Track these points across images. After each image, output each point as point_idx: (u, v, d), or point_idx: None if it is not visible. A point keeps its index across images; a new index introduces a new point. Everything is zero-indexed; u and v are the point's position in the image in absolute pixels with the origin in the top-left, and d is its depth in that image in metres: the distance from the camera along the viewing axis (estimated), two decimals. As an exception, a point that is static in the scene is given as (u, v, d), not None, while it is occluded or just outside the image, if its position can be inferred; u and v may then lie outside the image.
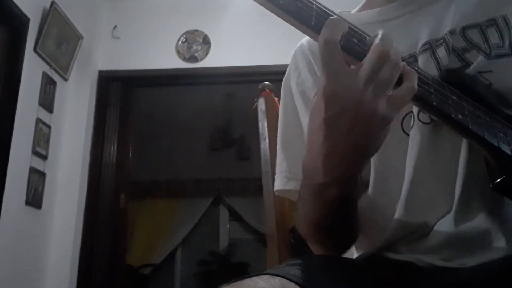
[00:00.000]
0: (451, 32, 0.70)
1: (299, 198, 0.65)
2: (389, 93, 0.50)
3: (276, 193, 0.83)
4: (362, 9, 0.82)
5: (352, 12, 0.84)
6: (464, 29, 0.70)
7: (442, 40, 0.70)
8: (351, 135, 0.50)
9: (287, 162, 0.80)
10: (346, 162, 0.52)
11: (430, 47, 0.70)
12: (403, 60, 0.53)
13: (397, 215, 0.67)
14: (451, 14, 0.72)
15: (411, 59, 0.69)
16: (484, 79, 0.66)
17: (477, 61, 0.67)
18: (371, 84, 0.49)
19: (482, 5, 0.72)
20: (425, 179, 0.65)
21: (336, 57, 0.49)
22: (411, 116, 0.68)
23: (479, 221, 0.62)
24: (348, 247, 0.71)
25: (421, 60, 0.70)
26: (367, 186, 0.71)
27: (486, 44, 0.68)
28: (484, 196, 0.62)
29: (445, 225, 0.63)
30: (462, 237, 0.62)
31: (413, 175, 0.66)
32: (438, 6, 0.74)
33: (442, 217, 0.64)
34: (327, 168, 0.53)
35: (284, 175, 0.80)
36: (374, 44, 0.50)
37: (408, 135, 0.68)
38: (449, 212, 0.63)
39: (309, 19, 0.51)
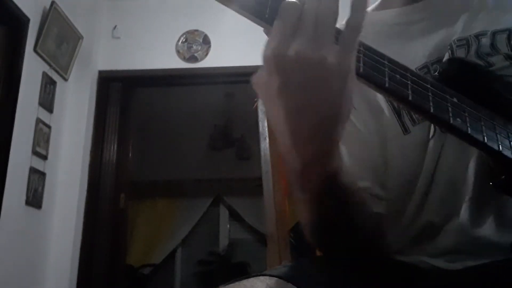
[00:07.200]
0: (479, 35, 0.68)
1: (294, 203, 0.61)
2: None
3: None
4: (381, 7, 0.80)
5: (368, 10, 0.83)
6: (494, 34, 0.68)
7: (465, 41, 0.68)
8: (305, 95, 0.45)
9: None
10: (318, 131, 0.47)
11: (451, 47, 0.68)
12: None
13: (407, 218, 0.67)
14: (473, 18, 0.70)
15: (435, 66, 0.68)
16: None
17: (502, 65, 0.65)
18: (302, 37, 0.44)
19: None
20: (438, 184, 0.65)
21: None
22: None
23: (490, 225, 0.61)
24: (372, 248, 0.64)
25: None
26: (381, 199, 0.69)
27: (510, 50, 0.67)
28: (495, 199, 0.62)
29: (454, 228, 0.63)
30: (471, 241, 0.61)
31: (427, 180, 0.65)
32: (456, 9, 0.72)
33: (452, 220, 0.63)
34: (300, 146, 0.48)
35: None
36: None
37: (410, 133, 0.67)
38: (458, 215, 0.63)
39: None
